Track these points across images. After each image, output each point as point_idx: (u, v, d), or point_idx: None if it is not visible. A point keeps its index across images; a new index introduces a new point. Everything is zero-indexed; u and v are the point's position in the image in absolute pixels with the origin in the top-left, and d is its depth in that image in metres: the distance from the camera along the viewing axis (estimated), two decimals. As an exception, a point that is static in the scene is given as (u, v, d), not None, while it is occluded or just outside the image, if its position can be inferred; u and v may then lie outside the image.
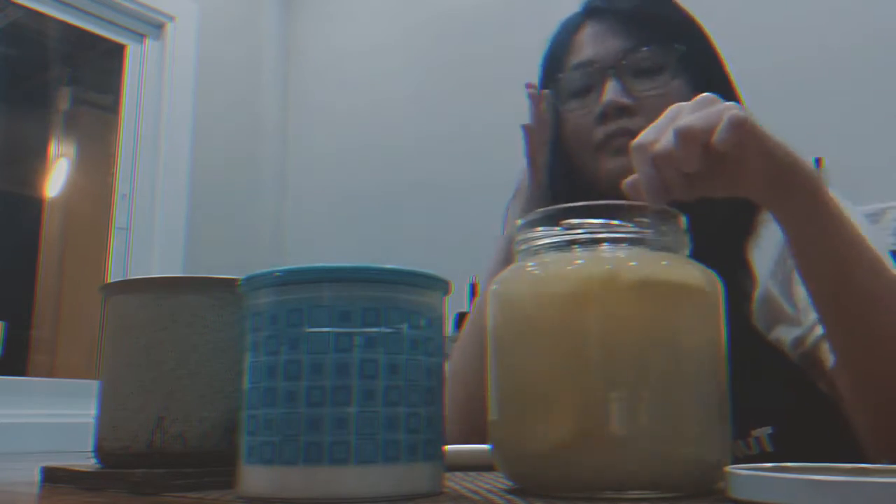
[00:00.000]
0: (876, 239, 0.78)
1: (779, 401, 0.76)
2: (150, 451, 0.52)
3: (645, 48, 0.83)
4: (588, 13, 0.89)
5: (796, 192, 0.59)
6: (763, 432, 0.75)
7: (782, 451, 0.74)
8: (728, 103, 0.57)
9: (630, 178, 0.58)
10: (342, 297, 0.43)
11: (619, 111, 0.81)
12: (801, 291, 0.75)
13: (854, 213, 0.83)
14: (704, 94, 0.59)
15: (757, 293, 0.79)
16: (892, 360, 0.63)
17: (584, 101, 0.86)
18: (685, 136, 0.55)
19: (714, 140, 0.54)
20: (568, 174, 0.88)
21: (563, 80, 0.87)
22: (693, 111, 0.57)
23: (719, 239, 0.76)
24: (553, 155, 0.90)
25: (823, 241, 0.61)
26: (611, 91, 0.82)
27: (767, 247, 0.79)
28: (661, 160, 0.56)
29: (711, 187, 0.59)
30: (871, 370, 0.64)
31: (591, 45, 0.86)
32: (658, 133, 0.57)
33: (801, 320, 0.76)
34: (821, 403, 0.74)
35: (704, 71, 0.87)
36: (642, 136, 0.58)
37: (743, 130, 0.55)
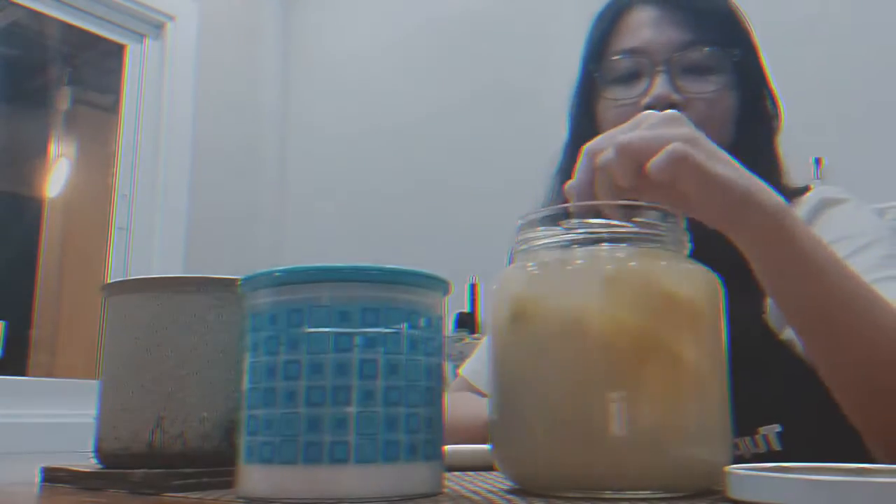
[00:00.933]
0: (884, 231, 0.77)
1: (788, 399, 0.76)
2: (150, 451, 0.52)
3: (703, 47, 0.81)
4: None
5: (749, 226, 0.57)
6: (771, 430, 0.75)
7: (791, 449, 0.74)
8: (684, 131, 0.55)
9: (569, 182, 0.58)
10: (341, 297, 0.43)
11: (667, 107, 0.80)
12: None
13: (862, 208, 0.83)
14: (671, 112, 0.58)
15: None
16: (877, 380, 0.61)
17: (630, 89, 0.84)
18: (623, 152, 0.54)
19: (647, 166, 0.53)
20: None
21: (609, 64, 0.85)
22: (647, 128, 0.56)
23: None
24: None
25: (784, 273, 0.59)
26: (661, 85, 0.81)
27: None
28: (600, 171, 0.56)
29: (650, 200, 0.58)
30: (860, 391, 0.62)
31: (645, 31, 0.84)
32: (609, 141, 0.56)
33: None
34: (830, 403, 0.74)
35: (752, 80, 0.85)
36: (595, 142, 0.57)
37: (682, 165, 0.53)
